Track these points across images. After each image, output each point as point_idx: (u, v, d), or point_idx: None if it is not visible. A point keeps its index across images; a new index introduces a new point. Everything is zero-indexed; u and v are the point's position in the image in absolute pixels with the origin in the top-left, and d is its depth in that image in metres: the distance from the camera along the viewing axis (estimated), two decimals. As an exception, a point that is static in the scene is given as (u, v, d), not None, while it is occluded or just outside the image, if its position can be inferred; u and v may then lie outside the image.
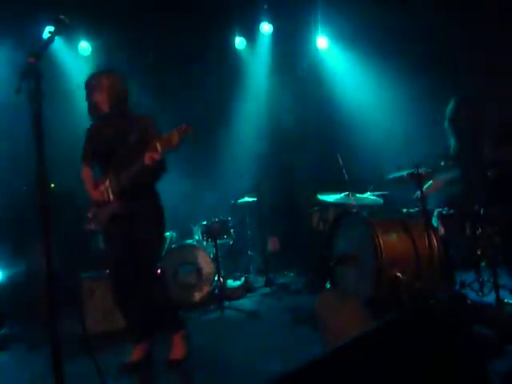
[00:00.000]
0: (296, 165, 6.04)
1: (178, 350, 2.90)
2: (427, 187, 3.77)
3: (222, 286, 4.58)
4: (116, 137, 2.82)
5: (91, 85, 2.86)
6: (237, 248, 5.54)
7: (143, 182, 2.79)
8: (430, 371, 1.29)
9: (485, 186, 3.50)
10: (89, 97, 2.87)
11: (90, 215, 2.94)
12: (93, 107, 2.87)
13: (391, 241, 3.39)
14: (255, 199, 5.42)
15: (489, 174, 3.65)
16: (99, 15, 5.30)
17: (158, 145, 2.50)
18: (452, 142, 4.02)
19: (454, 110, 3.99)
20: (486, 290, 3.33)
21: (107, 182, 2.82)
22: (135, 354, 2.93)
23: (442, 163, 3.87)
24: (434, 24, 5.45)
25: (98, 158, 2.95)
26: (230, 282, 5.20)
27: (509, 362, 2.09)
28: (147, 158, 2.55)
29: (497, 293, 3.21)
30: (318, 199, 4.42)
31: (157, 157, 2.53)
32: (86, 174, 2.99)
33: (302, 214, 5.52)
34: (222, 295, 4.39)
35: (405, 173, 3.34)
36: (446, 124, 4.03)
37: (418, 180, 3.27)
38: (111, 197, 2.80)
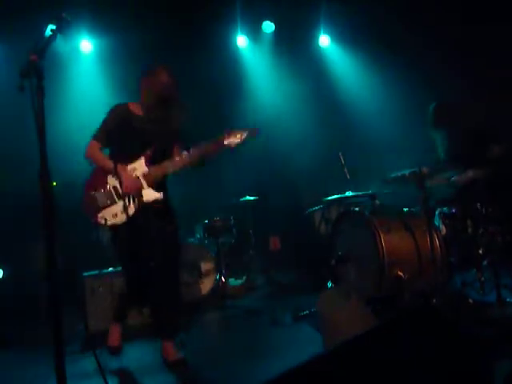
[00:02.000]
0: (297, 163, 6.03)
1: (175, 351, 2.87)
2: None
3: (224, 285, 4.59)
4: (161, 124, 2.85)
5: (170, 74, 2.90)
6: (238, 247, 5.54)
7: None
8: (431, 371, 1.29)
9: (486, 184, 3.50)
10: (166, 83, 2.85)
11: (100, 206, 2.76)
12: (163, 93, 2.84)
13: (393, 240, 3.39)
14: (257, 198, 5.42)
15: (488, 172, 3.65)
16: (100, 13, 5.30)
17: (226, 141, 2.73)
18: (440, 148, 4.04)
19: (432, 116, 4.04)
20: (487, 290, 3.33)
21: (140, 168, 2.75)
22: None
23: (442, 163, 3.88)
24: (436, 25, 5.44)
25: (124, 142, 2.82)
26: (232, 281, 5.20)
27: (510, 364, 2.08)
28: (226, 140, 2.71)
29: (498, 292, 3.20)
30: (320, 199, 4.43)
31: (237, 142, 2.76)
32: (96, 148, 2.83)
33: (303, 213, 5.51)
34: (224, 294, 4.40)
35: (407, 172, 3.34)
36: (431, 130, 4.06)
37: (419, 179, 3.26)
38: (144, 183, 2.74)
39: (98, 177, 2.80)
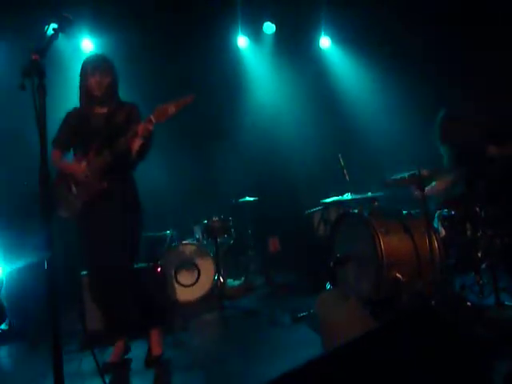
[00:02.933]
0: (297, 165, 6.03)
1: (156, 347, 2.90)
2: (431, 187, 3.77)
3: (222, 286, 4.59)
4: (104, 119, 2.87)
5: (96, 65, 2.86)
6: (237, 247, 5.54)
7: (125, 161, 2.79)
8: (429, 372, 1.29)
9: (485, 187, 3.51)
10: (90, 76, 2.84)
11: (60, 200, 2.84)
12: (92, 88, 2.85)
13: (392, 242, 3.39)
14: (256, 199, 5.42)
15: (488, 175, 3.65)
16: (102, 13, 5.30)
17: (152, 116, 2.58)
18: (445, 157, 4.04)
19: (439, 127, 4.03)
20: (486, 293, 3.33)
21: (86, 161, 2.78)
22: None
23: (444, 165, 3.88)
24: (437, 26, 5.45)
25: (79, 141, 2.90)
26: (230, 282, 5.20)
27: (509, 364, 2.08)
28: (141, 131, 2.60)
29: (497, 295, 3.21)
30: (319, 200, 4.43)
31: (150, 127, 2.58)
32: (58, 156, 2.93)
33: (302, 215, 5.51)
34: (222, 294, 4.39)
35: (406, 174, 3.34)
36: (438, 139, 4.06)
37: (418, 181, 3.27)
38: (90, 175, 2.77)
39: (56, 178, 2.90)
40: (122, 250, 2.78)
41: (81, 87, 2.92)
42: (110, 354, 2.87)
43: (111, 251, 2.75)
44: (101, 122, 2.86)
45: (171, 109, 2.59)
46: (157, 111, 2.59)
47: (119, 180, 2.83)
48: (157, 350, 2.90)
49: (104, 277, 2.79)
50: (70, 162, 2.91)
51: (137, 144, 2.68)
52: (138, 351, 3.01)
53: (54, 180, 2.89)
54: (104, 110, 2.90)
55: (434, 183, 3.83)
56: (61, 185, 2.86)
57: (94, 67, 2.85)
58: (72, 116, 2.96)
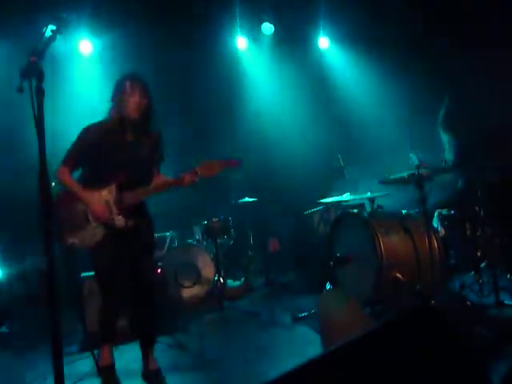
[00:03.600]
0: (296, 165, 6.03)
1: (154, 361, 2.81)
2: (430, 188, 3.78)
3: (222, 286, 4.58)
4: (134, 148, 2.67)
5: (137, 85, 2.65)
6: (237, 248, 5.53)
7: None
8: (429, 373, 1.29)
9: (485, 187, 3.51)
10: (129, 96, 2.61)
11: (74, 227, 2.60)
12: (131, 107, 2.61)
13: (391, 242, 3.39)
14: (256, 199, 5.42)
15: (488, 175, 3.66)
16: (100, 14, 5.30)
17: (198, 169, 2.59)
18: (447, 146, 4.04)
19: (445, 114, 4.04)
20: (485, 292, 3.34)
21: (112, 194, 2.60)
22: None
23: (443, 164, 3.89)
24: (436, 25, 5.45)
25: (99, 166, 2.65)
26: (230, 282, 5.20)
27: (508, 363, 2.08)
28: (186, 180, 2.58)
29: (496, 294, 3.21)
30: (319, 200, 4.43)
31: (195, 180, 2.59)
32: (70, 178, 2.65)
33: (302, 215, 5.51)
34: (222, 295, 4.39)
35: (405, 173, 3.34)
36: (440, 128, 4.07)
37: (418, 181, 3.27)
38: (115, 210, 2.59)
39: (68, 198, 2.64)
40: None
41: (116, 107, 2.63)
42: (101, 359, 2.71)
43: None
44: (131, 152, 2.64)
45: (216, 168, 2.62)
46: (203, 165, 2.60)
47: (142, 217, 2.74)
48: (155, 364, 2.80)
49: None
50: (83, 188, 2.62)
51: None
52: (134, 352, 3.01)
53: (62, 200, 2.64)
54: (135, 138, 2.68)
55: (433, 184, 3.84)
56: (71, 209, 2.62)
57: (132, 86, 2.63)
58: (95, 135, 2.64)
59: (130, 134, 2.68)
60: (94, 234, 2.60)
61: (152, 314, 2.85)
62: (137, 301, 2.80)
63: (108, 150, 2.63)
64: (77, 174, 2.75)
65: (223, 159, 2.64)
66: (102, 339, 2.76)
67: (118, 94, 2.64)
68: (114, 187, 2.60)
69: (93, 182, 2.63)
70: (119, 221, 2.59)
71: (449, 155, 4.06)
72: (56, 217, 2.58)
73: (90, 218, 2.61)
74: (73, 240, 2.60)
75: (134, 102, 2.62)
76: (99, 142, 2.62)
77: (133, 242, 2.66)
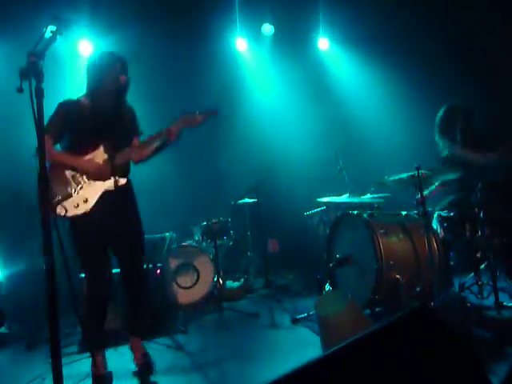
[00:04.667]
0: (296, 165, 6.03)
1: (144, 353, 2.84)
2: (430, 191, 3.79)
3: (221, 287, 4.58)
4: (116, 117, 2.82)
5: (124, 64, 2.82)
6: (236, 249, 5.53)
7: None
8: (429, 374, 1.29)
9: (484, 188, 3.51)
10: (120, 74, 2.77)
11: (62, 196, 2.64)
12: (123, 85, 2.80)
13: (391, 243, 3.39)
14: (255, 200, 5.42)
15: (488, 176, 3.66)
16: (100, 15, 5.30)
17: (180, 121, 2.75)
18: (444, 149, 4.05)
19: (442, 117, 4.06)
20: (485, 293, 3.34)
21: (101, 156, 2.71)
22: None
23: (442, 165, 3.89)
24: (436, 25, 5.46)
25: (83, 134, 2.73)
26: (230, 283, 5.19)
27: (508, 364, 2.08)
28: (171, 131, 2.71)
29: (496, 296, 3.21)
30: (318, 201, 4.43)
31: (178, 130, 2.73)
32: (50, 144, 2.67)
33: (301, 216, 5.51)
34: (221, 296, 4.39)
35: (405, 175, 3.34)
36: (437, 132, 4.09)
37: (417, 182, 3.27)
38: (110, 171, 2.72)
39: (54, 171, 2.67)
40: (143, 251, 2.90)
41: (105, 81, 2.74)
42: (94, 368, 2.66)
43: (141, 249, 2.88)
44: (113, 120, 2.80)
45: (198, 118, 2.81)
46: (184, 116, 2.77)
47: (127, 177, 2.86)
48: (146, 355, 2.84)
49: (135, 273, 2.85)
50: (74, 155, 2.70)
51: (154, 146, 2.82)
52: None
53: (50, 174, 2.61)
54: (117, 109, 2.83)
55: (433, 187, 3.85)
56: (60, 179, 2.67)
57: (123, 65, 2.81)
58: (72, 106, 2.76)
59: (112, 105, 2.81)
60: (85, 197, 2.67)
61: (139, 301, 2.87)
62: (125, 284, 2.84)
63: (92, 121, 2.74)
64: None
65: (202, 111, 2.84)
66: (93, 343, 2.75)
67: (109, 69, 2.76)
68: (101, 149, 2.73)
69: (77, 150, 2.72)
70: (110, 181, 2.72)
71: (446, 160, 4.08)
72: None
73: (82, 180, 2.69)
74: (64, 209, 2.62)
75: (124, 79, 2.80)
76: (83, 115, 2.74)
77: (122, 208, 2.77)
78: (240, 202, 5.42)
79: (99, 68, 2.77)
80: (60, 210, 2.61)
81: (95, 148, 2.73)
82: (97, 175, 2.69)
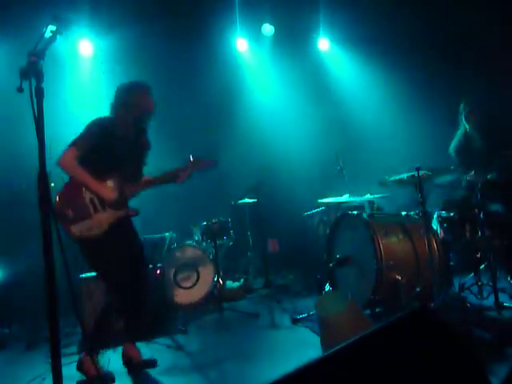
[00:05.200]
0: (296, 166, 6.03)
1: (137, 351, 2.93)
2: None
3: (221, 287, 4.58)
4: (140, 145, 2.98)
5: (150, 89, 2.98)
6: (236, 249, 5.53)
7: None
8: (428, 374, 1.29)
9: (484, 188, 3.51)
10: (148, 96, 2.95)
11: (80, 217, 2.73)
12: (151, 108, 2.96)
13: (391, 243, 3.39)
14: (255, 200, 5.42)
15: (489, 177, 3.66)
16: (100, 14, 5.30)
17: (189, 167, 2.96)
18: (457, 142, 4.08)
19: (460, 111, 4.10)
20: (485, 294, 3.34)
21: (116, 185, 2.81)
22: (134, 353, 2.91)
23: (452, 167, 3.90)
24: (436, 26, 5.46)
25: (107, 158, 2.79)
26: (229, 283, 5.19)
27: (508, 364, 2.08)
28: (181, 178, 2.94)
29: (496, 296, 3.21)
30: (318, 201, 4.43)
31: (189, 172, 2.96)
32: (74, 158, 2.71)
33: (301, 216, 5.51)
34: (221, 296, 4.39)
35: (405, 175, 3.34)
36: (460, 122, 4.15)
37: (417, 182, 3.27)
38: (120, 201, 2.84)
39: (73, 189, 2.75)
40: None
41: (133, 105, 2.86)
42: (91, 368, 2.71)
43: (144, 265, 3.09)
44: (134, 150, 2.92)
45: (202, 164, 3.02)
46: (194, 160, 2.98)
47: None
48: (138, 354, 2.91)
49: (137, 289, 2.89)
50: (97, 180, 2.77)
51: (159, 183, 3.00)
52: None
53: (68, 190, 2.75)
54: (138, 137, 2.97)
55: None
56: (79, 199, 2.74)
57: (149, 89, 2.96)
58: (106, 130, 2.79)
59: (133, 132, 2.93)
60: (100, 223, 2.74)
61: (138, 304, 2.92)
62: (133, 294, 2.87)
63: (113, 145, 2.80)
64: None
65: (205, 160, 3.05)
66: (96, 344, 2.84)
67: (139, 95, 2.90)
68: (116, 179, 2.81)
69: (96, 173, 2.77)
70: (123, 210, 2.84)
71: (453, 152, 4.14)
72: (63, 207, 2.71)
73: (98, 205, 2.77)
74: (79, 230, 2.70)
75: (152, 102, 2.97)
76: (108, 134, 2.79)
77: (131, 233, 2.94)
78: (240, 202, 5.42)
79: (137, 94, 2.90)
80: (75, 230, 2.70)
81: (112, 175, 2.81)
82: (115, 204, 2.79)
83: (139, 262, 2.95)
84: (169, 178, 2.96)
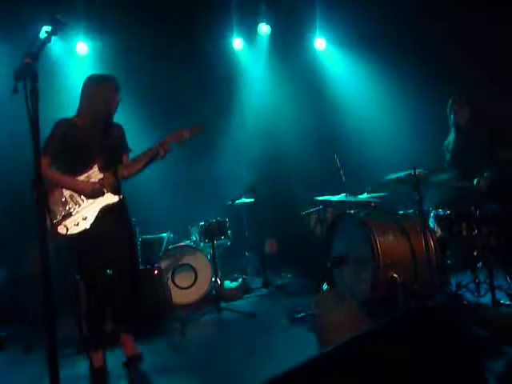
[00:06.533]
0: (293, 166, 6.04)
1: (134, 346, 2.93)
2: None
3: (219, 287, 4.58)
4: (106, 136, 2.95)
5: (115, 85, 2.96)
6: (234, 249, 5.53)
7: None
8: (426, 372, 1.29)
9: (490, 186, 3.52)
10: (115, 95, 2.93)
11: (62, 216, 2.76)
12: (114, 106, 2.95)
13: (388, 242, 3.40)
14: (253, 200, 5.42)
15: (485, 174, 3.67)
16: (96, 15, 5.30)
17: (168, 138, 2.89)
18: (451, 140, 4.08)
19: (449, 106, 4.09)
20: (482, 291, 3.35)
21: (99, 176, 2.84)
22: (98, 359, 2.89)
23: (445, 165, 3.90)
24: (434, 25, 5.47)
25: (76, 155, 2.85)
26: (227, 283, 5.19)
27: (504, 362, 2.09)
28: (160, 146, 2.84)
29: (493, 294, 3.22)
30: (316, 200, 4.43)
31: (167, 145, 2.87)
32: (48, 164, 2.80)
33: (299, 215, 5.52)
34: (219, 296, 4.39)
35: (402, 174, 3.35)
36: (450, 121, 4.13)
37: (415, 181, 3.28)
38: (105, 190, 2.85)
39: (52, 192, 2.81)
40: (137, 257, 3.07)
41: (97, 102, 2.88)
42: (94, 360, 2.79)
43: (135, 257, 3.06)
44: (104, 139, 2.93)
45: (186, 134, 2.96)
46: (171, 133, 2.93)
47: (120, 193, 2.96)
48: (137, 350, 2.93)
49: (128, 279, 2.91)
50: (70, 176, 2.83)
51: (144, 162, 2.92)
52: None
53: (48, 194, 2.77)
54: (105, 128, 2.96)
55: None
56: (59, 199, 2.80)
57: (118, 87, 2.96)
58: (69, 127, 2.86)
59: (100, 124, 2.92)
60: (84, 216, 2.79)
61: (131, 300, 2.94)
62: (119, 286, 2.89)
63: (86, 140, 2.86)
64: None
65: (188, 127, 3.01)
66: (92, 344, 2.87)
67: (103, 92, 2.90)
68: (96, 169, 2.85)
69: (72, 169, 2.84)
70: (107, 199, 2.85)
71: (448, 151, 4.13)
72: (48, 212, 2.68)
73: (79, 200, 2.81)
74: (65, 229, 2.75)
75: (117, 100, 2.96)
76: (77, 135, 2.85)
77: (116, 220, 2.89)
78: (237, 202, 5.42)
79: (96, 90, 2.90)
80: (61, 230, 2.75)
81: (90, 167, 2.86)
82: (92, 195, 2.82)
83: (127, 255, 2.93)
84: (147, 154, 2.90)
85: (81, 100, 2.93)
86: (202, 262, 4.63)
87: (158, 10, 5.45)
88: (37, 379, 2.84)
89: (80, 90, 2.93)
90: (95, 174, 2.86)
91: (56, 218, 2.75)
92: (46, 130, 2.63)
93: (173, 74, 5.70)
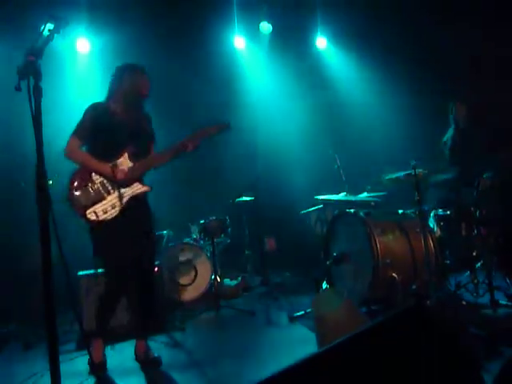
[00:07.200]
0: (294, 164, 6.04)
1: (150, 351, 2.98)
2: None
3: (219, 285, 4.59)
4: (138, 123, 2.96)
5: (143, 69, 2.99)
6: (234, 247, 5.53)
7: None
8: (423, 371, 1.30)
9: (481, 187, 3.53)
10: (141, 76, 2.95)
11: (93, 201, 2.76)
12: (145, 87, 2.96)
13: (388, 241, 3.41)
14: (253, 198, 5.43)
15: (485, 176, 3.68)
16: (98, 13, 5.29)
17: (197, 133, 2.92)
18: (450, 137, 4.09)
19: (451, 108, 4.10)
20: (480, 291, 3.36)
21: (129, 164, 2.83)
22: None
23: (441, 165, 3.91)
24: (434, 25, 5.47)
25: (107, 140, 2.84)
26: (227, 281, 5.20)
27: (502, 362, 2.10)
28: (191, 145, 2.85)
29: (491, 294, 3.23)
30: (316, 199, 4.44)
31: (196, 143, 2.88)
32: (77, 146, 2.83)
33: (299, 214, 5.52)
34: (219, 294, 4.40)
35: (402, 174, 3.36)
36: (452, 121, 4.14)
37: (414, 181, 3.28)
38: (134, 179, 2.86)
39: (82, 174, 2.82)
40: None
41: (126, 85, 2.89)
42: (93, 355, 2.79)
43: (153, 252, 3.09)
44: (136, 124, 2.93)
45: (211, 130, 3.00)
46: (197, 131, 2.94)
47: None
48: (151, 352, 2.95)
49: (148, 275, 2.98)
50: (102, 163, 2.81)
51: (171, 156, 2.92)
52: (131, 351, 3.01)
53: (77, 177, 2.80)
54: (137, 115, 2.96)
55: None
56: (90, 184, 2.79)
57: (142, 69, 2.98)
58: (101, 111, 2.86)
59: (132, 110, 2.92)
60: (113, 204, 2.79)
61: (152, 301, 3.01)
62: (140, 286, 2.92)
63: (112, 125, 2.84)
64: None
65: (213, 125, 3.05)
66: (96, 332, 2.89)
67: (132, 76, 2.91)
68: (126, 156, 2.84)
69: (102, 154, 2.83)
70: (136, 188, 2.87)
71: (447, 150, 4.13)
72: (76, 194, 2.78)
73: (110, 187, 2.81)
74: (95, 214, 2.75)
75: (146, 82, 2.98)
76: (104, 118, 2.84)
77: (144, 212, 2.96)
78: (237, 200, 5.43)
79: (126, 74, 2.92)
80: (90, 215, 2.75)
81: (121, 154, 2.85)
82: (123, 182, 2.82)
83: (152, 248, 3.02)
84: (177, 148, 2.89)
85: (111, 85, 2.94)
86: (201, 260, 4.64)
87: (159, 8, 5.45)
88: (37, 376, 2.85)
89: (110, 79, 2.96)
90: (126, 162, 2.84)
91: (84, 202, 2.75)
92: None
93: (174, 72, 5.69)
